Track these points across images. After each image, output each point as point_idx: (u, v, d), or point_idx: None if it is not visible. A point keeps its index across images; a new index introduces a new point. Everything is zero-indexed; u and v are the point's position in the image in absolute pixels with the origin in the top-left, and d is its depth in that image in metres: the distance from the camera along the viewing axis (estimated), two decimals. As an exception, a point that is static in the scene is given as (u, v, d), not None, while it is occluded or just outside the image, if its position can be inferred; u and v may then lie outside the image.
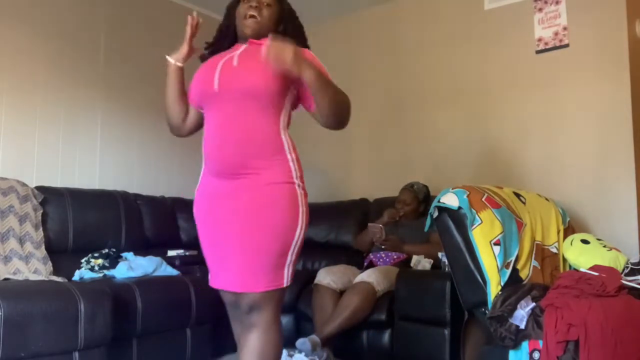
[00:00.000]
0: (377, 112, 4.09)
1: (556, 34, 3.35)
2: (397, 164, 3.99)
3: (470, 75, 3.70)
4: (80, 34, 3.56)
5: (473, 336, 2.55)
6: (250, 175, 1.69)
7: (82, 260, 3.02)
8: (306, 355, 2.67)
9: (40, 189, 3.07)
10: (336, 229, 3.84)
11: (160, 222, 3.55)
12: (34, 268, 2.76)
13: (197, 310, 2.84)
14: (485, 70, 3.64)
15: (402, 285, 2.87)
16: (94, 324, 2.27)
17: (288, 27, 1.90)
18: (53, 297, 2.23)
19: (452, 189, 2.48)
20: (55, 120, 3.41)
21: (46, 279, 2.68)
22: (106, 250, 3.10)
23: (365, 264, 3.37)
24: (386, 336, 2.94)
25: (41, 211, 2.99)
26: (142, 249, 3.28)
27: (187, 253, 3.36)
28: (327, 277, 3.13)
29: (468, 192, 2.43)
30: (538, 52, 3.42)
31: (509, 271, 2.33)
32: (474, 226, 2.35)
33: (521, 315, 2.10)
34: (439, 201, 2.47)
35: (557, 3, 3.36)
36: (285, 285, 1.71)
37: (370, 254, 3.37)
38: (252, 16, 1.82)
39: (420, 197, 3.48)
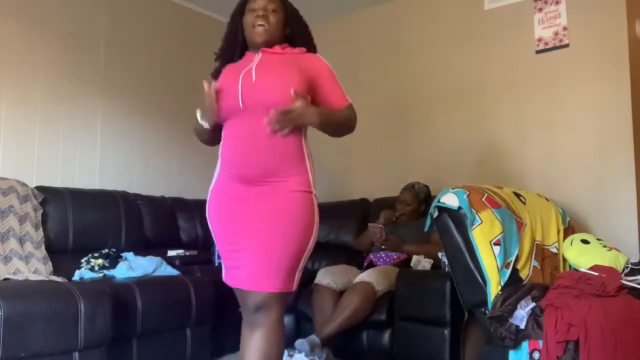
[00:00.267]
0: (377, 112, 4.08)
1: (556, 34, 3.35)
2: (397, 164, 3.99)
3: (470, 75, 3.69)
4: (80, 33, 3.56)
5: (473, 336, 2.54)
6: (274, 183, 1.77)
7: (82, 260, 3.02)
8: (306, 356, 2.67)
9: (40, 188, 3.08)
10: (336, 229, 3.84)
11: (160, 222, 3.55)
12: (34, 268, 2.76)
13: (197, 310, 2.84)
14: (485, 70, 3.63)
15: (402, 285, 2.88)
16: (94, 324, 2.27)
17: (294, 28, 1.97)
18: (53, 297, 2.23)
19: (452, 189, 2.48)
20: (56, 120, 3.41)
21: (46, 279, 2.68)
22: (106, 250, 3.10)
23: (365, 264, 3.37)
24: (386, 336, 2.94)
25: (41, 211, 2.99)
26: (142, 249, 3.28)
27: (187, 253, 3.36)
28: (327, 277, 3.13)
29: (468, 192, 2.43)
30: (538, 52, 3.42)
31: (509, 271, 2.33)
32: (474, 226, 2.35)
33: (521, 315, 2.10)
34: (439, 201, 2.47)
35: (557, 3, 3.35)
36: (294, 289, 1.79)
37: (370, 254, 3.37)
38: (260, 25, 1.87)
39: (421, 197, 3.48)
